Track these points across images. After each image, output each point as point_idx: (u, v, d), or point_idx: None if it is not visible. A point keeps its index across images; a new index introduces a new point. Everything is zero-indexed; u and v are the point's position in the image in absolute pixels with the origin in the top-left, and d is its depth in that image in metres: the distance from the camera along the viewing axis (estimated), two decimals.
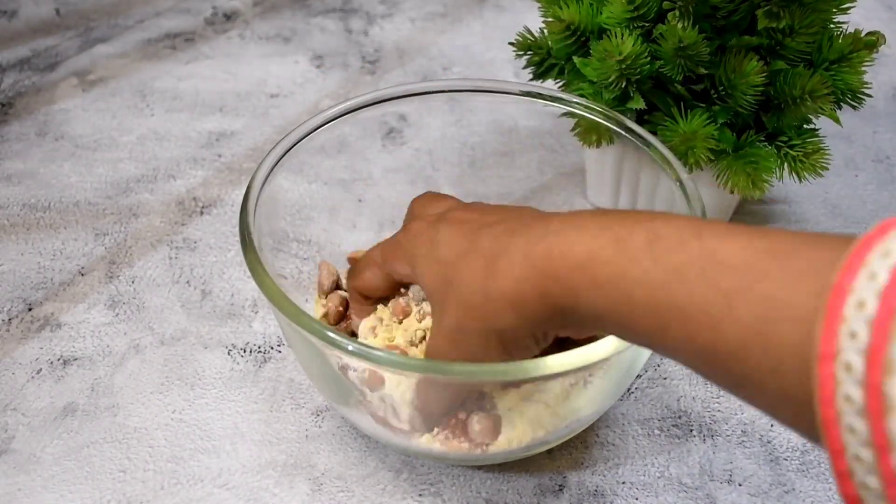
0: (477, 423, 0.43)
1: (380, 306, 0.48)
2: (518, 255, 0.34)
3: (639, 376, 0.54)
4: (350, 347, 0.39)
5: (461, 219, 0.40)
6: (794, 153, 0.54)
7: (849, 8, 0.52)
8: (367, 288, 0.47)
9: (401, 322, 0.47)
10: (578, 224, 0.33)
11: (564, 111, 0.54)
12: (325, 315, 0.51)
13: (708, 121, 0.53)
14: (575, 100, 0.54)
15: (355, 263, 0.49)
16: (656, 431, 0.51)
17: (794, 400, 0.25)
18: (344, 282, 0.53)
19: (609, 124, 0.52)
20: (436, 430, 0.44)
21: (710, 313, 0.27)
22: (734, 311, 0.27)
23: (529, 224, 0.36)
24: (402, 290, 0.48)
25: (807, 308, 0.25)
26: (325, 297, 0.52)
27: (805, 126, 0.56)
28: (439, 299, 0.38)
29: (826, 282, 0.24)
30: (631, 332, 0.31)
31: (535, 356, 0.39)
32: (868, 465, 0.22)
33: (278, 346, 0.56)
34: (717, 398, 0.53)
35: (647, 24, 0.53)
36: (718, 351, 0.27)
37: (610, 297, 0.31)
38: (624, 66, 0.52)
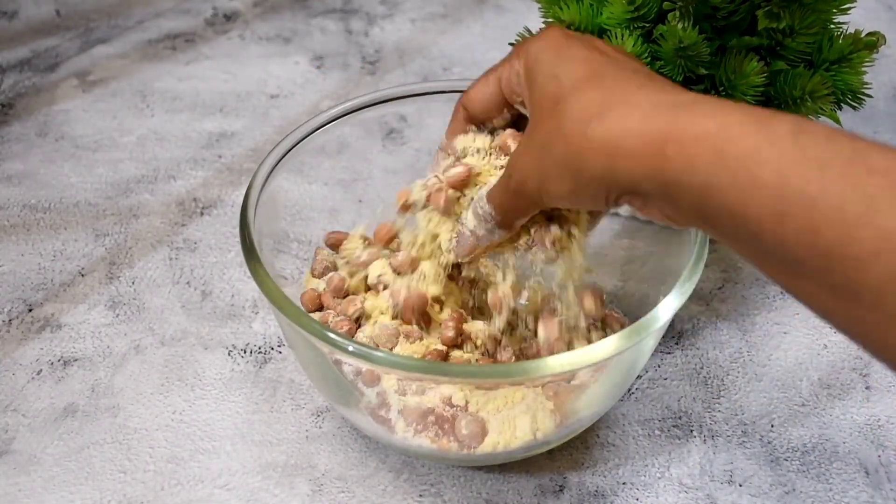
0: (465, 428, 0.43)
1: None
2: (640, 110, 0.32)
3: (639, 377, 0.54)
4: (350, 348, 0.39)
5: (595, 44, 0.38)
6: None
7: (849, 8, 0.52)
8: (474, 99, 0.44)
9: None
10: (713, 101, 0.31)
11: None
12: (316, 295, 0.50)
13: None
14: None
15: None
16: (657, 432, 0.51)
17: None
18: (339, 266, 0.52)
19: None
20: (421, 427, 0.44)
21: (846, 212, 0.26)
22: (875, 216, 0.26)
23: (661, 87, 0.34)
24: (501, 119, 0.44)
25: None
26: (318, 278, 0.52)
27: None
28: (540, 114, 0.36)
29: None
30: (734, 218, 0.29)
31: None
32: None
33: (278, 346, 0.56)
34: (718, 399, 0.53)
35: (647, 25, 0.53)
36: (845, 254, 0.26)
37: (731, 171, 0.29)
38: None
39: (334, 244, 0.53)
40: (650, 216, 0.36)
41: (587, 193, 0.35)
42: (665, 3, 0.51)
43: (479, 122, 0.45)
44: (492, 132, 0.45)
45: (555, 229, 0.42)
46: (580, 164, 0.34)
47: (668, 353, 0.56)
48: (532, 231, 0.42)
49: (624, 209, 0.35)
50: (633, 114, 0.32)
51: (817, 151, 0.28)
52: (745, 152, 0.29)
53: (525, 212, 0.40)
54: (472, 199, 0.43)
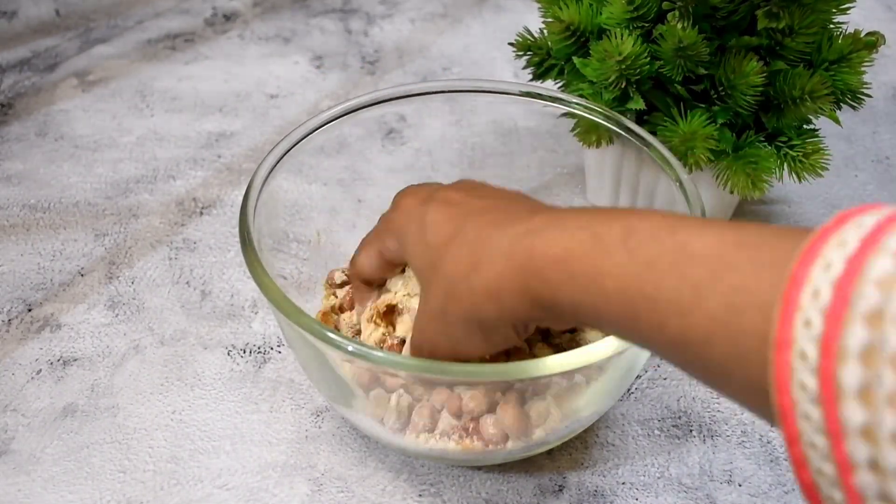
0: (492, 427, 0.43)
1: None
2: (500, 252, 0.35)
3: (638, 377, 0.54)
4: (350, 348, 0.39)
5: (450, 200, 0.40)
6: (794, 153, 0.54)
7: (848, 8, 0.52)
8: (363, 271, 0.47)
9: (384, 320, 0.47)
10: (560, 222, 0.34)
11: (564, 111, 0.54)
12: (336, 307, 0.50)
13: (707, 121, 0.53)
14: (575, 100, 0.54)
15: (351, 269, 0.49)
16: (656, 432, 0.51)
17: (758, 388, 0.25)
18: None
19: (609, 124, 0.52)
20: (447, 430, 0.44)
21: (680, 303, 0.28)
22: (703, 302, 0.27)
23: (513, 219, 0.36)
24: (399, 273, 0.48)
25: (769, 298, 0.25)
26: (336, 289, 0.52)
27: (805, 126, 0.56)
28: (426, 281, 0.39)
29: (785, 272, 0.25)
30: (605, 323, 0.32)
31: (514, 351, 0.40)
32: (822, 452, 0.23)
33: (278, 346, 0.56)
34: (717, 398, 0.53)
35: (646, 25, 0.53)
36: (688, 340, 0.28)
37: (585, 290, 0.31)
38: (624, 67, 0.52)
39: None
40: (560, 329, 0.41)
41: (499, 336, 0.38)
42: (665, 2, 0.51)
43: (375, 284, 0.48)
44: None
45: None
46: (479, 316, 0.36)
47: None
48: None
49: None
50: (495, 259, 0.35)
51: (645, 252, 0.30)
52: (590, 269, 0.31)
53: None
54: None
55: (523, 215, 0.36)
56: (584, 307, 0.32)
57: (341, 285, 0.52)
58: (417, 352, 0.41)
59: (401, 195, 0.46)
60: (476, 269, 0.36)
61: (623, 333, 0.32)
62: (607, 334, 0.34)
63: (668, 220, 0.31)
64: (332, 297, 0.51)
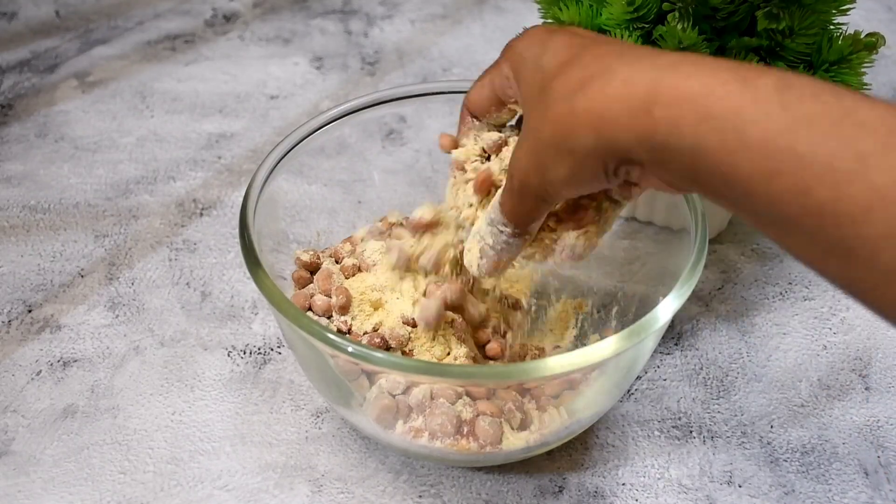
0: (489, 427, 0.43)
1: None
2: (618, 77, 0.32)
3: (638, 378, 0.54)
4: (350, 349, 0.39)
5: (577, 32, 0.37)
6: None
7: (848, 9, 0.52)
8: (471, 100, 0.43)
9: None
10: (696, 60, 0.31)
11: None
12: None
13: None
14: None
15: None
16: (656, 433, 0.51)
17: None
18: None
19: None
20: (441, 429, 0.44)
21: (837, 169, 0.26)
22: (868, 173, 0.26)
23: (639, 54, 0.33)
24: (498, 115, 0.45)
25: None
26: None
27: None
28: (531, 106, 0.36)
29: None
30: (730, 177, 0.29)
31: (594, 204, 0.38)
32: None
33: (278, 347, 0.56)
34: (717, 400, 0.53)
35: (646, 26, 0.53)
36: (837, 211, 0.26)
37: (719, 132, 0.29)
38: None
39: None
40: (650, 185, 0.36)
41: (585, 171, 0.34)
42: (665, 3, 0.51)
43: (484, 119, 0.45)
44: (499, 128, 0.44)
45: (571, 233, 0.41)
46: (571, 142, 0.33)
47: (668, 353, 0.56)
48: (553, 236, 0.42)
49: (626, 210, 0.35)
50: (612, 81, 0.32)
51: (804, 108, 0.27)
52: (730, 113, 0.29)
53: (534, 213, 0.39)
54: (487, 210, 0.42)
55: (652, 52, 0.33)
56: (707, 153, 0.29)
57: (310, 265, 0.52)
58: (509, 182, 0.38)
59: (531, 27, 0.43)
60: (584, 91, 0.33)
61: (745, 191, 0.29)
62: (714, 196, 0.31)
63: (829, 84, 0.28)
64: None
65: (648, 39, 0.53)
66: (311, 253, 0.52)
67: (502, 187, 0.40)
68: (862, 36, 0.54)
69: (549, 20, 0.55)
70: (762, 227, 0.30)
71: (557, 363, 0.38)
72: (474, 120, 0.44)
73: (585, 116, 0.33)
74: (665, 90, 0.30)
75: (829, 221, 0.27)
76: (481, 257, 0.42)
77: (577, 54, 0.35)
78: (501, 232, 0.40)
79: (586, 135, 0.33)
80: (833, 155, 0.26)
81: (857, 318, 0.58)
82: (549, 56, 0.36)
